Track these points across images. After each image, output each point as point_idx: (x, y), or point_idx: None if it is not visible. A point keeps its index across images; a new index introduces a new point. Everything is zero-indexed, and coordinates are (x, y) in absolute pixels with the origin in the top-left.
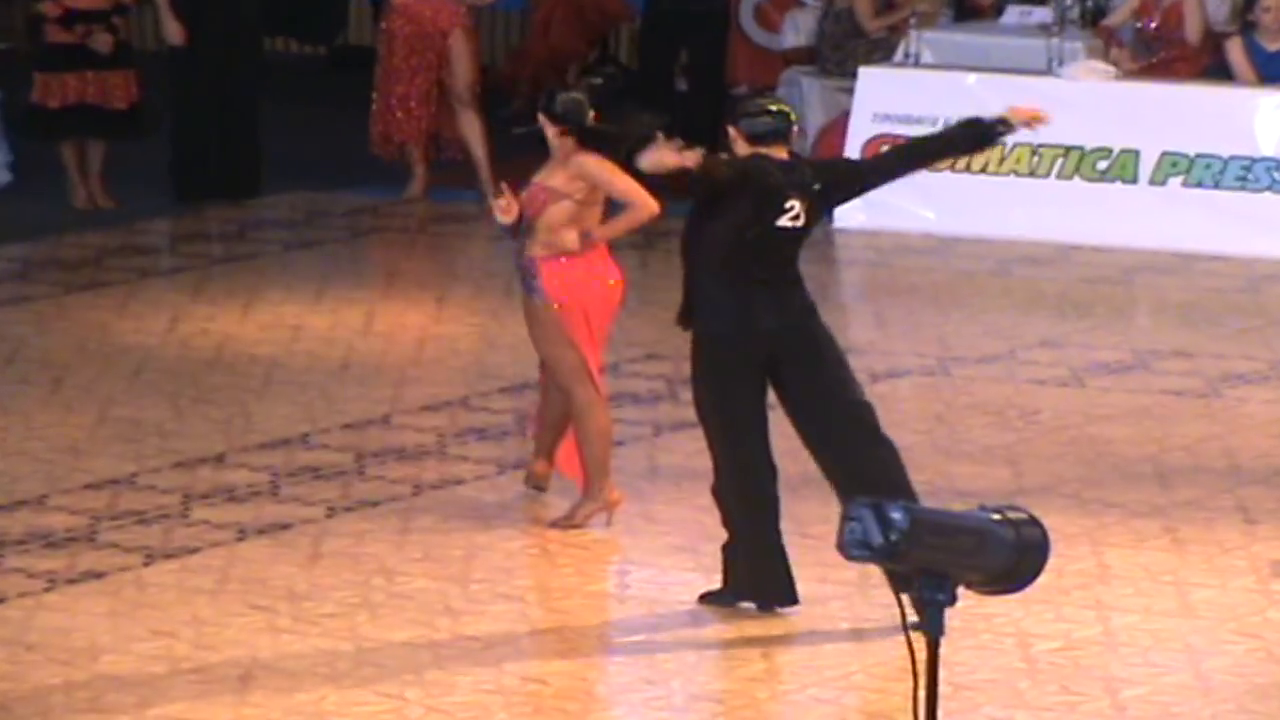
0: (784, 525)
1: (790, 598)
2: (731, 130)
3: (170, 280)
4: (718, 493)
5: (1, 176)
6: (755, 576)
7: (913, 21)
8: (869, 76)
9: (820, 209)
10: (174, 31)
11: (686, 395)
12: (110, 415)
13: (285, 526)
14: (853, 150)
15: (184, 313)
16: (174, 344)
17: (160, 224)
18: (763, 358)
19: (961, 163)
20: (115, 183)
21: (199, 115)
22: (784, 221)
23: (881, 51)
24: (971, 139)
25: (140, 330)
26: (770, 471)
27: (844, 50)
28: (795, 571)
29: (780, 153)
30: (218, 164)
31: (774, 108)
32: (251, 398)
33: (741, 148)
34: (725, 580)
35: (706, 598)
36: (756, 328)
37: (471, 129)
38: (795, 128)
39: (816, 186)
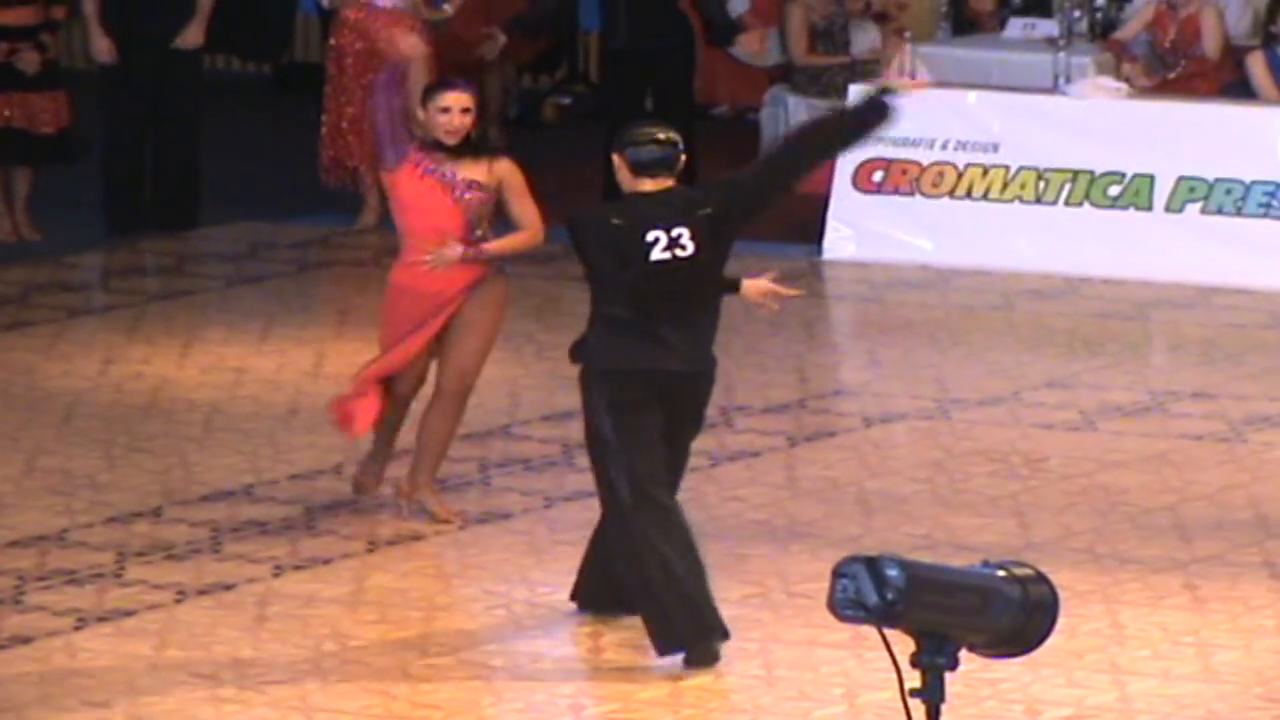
0: (761, 574)
1: (722, 633)
2: (616, 158)
3: (102, 319)
4: (604, 540)
5: None
6: (691, 624)
7: (908, 35)
8: (861, 95)
9: (715, 234)
10: (103, 48)
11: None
12: (38, 466)
13: (229, 587)
14: (844, 177)
15: (117, 354)
16: (107, 388)
17: (91, 258)
18: (660, 392)
19: (961, 188)
20: (42, 213)
21: (132, 139)
22: (659, 255)
23: (862, 77)
24: (861, 117)
25: (70, 373)
26: (676, 508)
27: (821, 82)
28: (783, 633)
29: (664, 183)
30: (153, 192)
31: (661, 136)
32: (191, 446)
33: (625, 177)
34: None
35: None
36: (660, 367)
37: None
38: (684, 156)
39: (705, 211)
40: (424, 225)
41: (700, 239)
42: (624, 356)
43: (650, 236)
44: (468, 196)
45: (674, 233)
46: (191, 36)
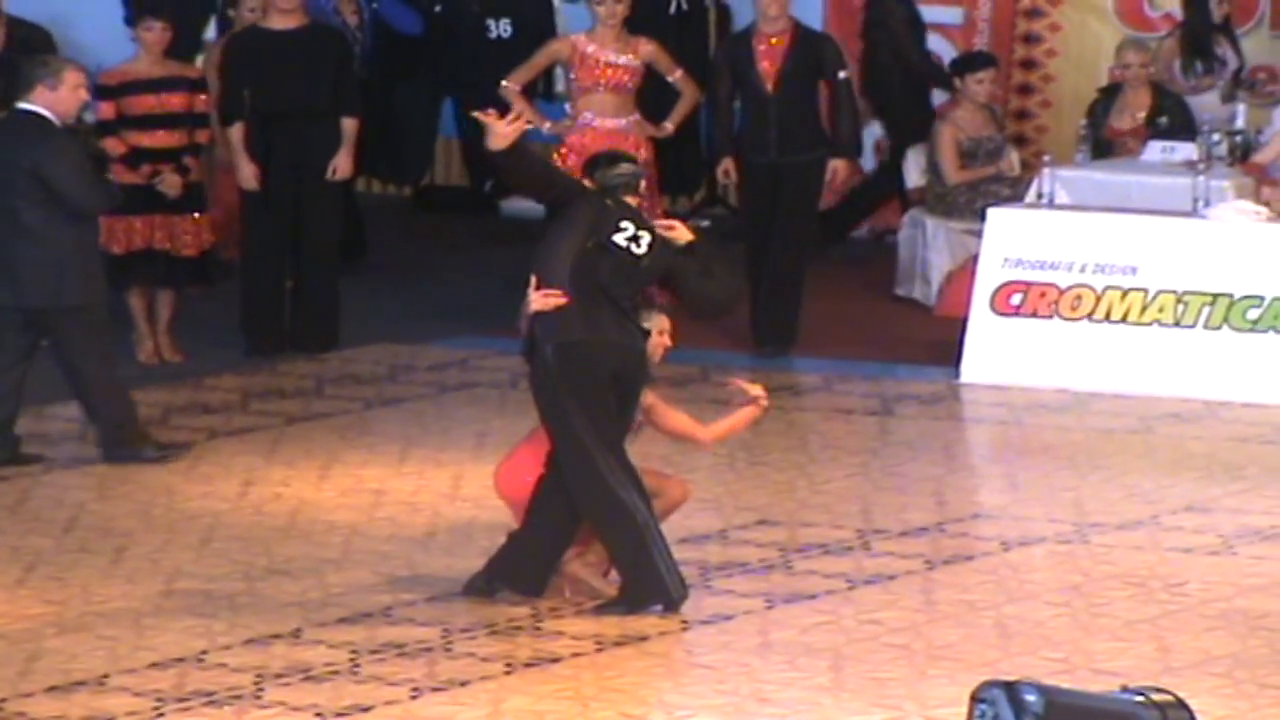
0: (899, 698)
1: (682, 592)
2: (587, 182)
3: (242, 441)
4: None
5: None
6: (657, 578)
7: (1047, 158)
8: (999, 218)
9: (660, 255)
10: (248, 175)
11: (802, 564)
12: (177, 587)
13: (366, 709)
14: (982, 300)
15: (257, 476)
16: (246, 509)
17: (231, 380)
18: (614, 367)
19: (1099, 311)
20: (183, 335)
21: (272, 263)
22: (621, 240)
23: (984, 199)
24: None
25: (209, 494)
26: (638, 478)
27: (946, 201)
28: None
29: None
30: (293, 315)
31: (627, 165)
32: (330, 568)
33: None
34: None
35: (602, 609)
36: (605, 337)
37: None
38: (643, 183)
39: (658, 233)
40: None
41: (652, 248)
42: (575, 327)
43: (624, 224)
44: None
45: (635, 230)
46: (343, 167)
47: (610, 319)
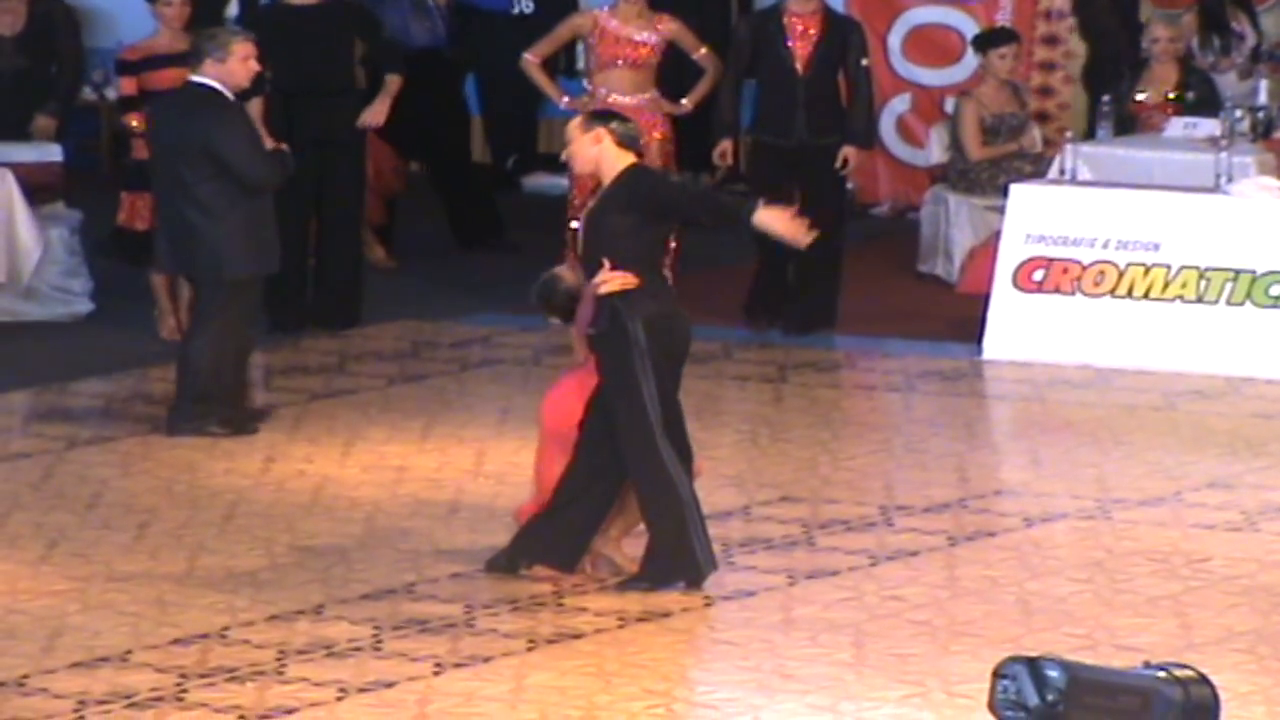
0: (921, 674)
1: (711, 563)
2: (601, 129)
3: (264, 417)
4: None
5: (82, 305)
6: (691, 556)
7: (1069, 135)
8: (1021, 194)
9: None
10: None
11: (825, 541)
12: (200, 564)
13: (389, 685)
14: (1005, 276)
15: (279, 452)
16: (269, 486)
17: (254, 356)
18: (689, 340)
19: (1122, 288)
20: None
21: (294, 238)
22: None
23: (1006, 176)
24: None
25: (232, 471)
26: (690, 455)
27: (969, 178)
28: None
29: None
30: (315, 291)
31: (633, 125)
32: (352, 544)
33: (610, 147)
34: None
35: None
36: (682, 311)
37: None
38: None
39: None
40: None
41: None
42: (663, 304)
43: None
44: None
45: None
46: (374, 115)
47: (671, 294)
